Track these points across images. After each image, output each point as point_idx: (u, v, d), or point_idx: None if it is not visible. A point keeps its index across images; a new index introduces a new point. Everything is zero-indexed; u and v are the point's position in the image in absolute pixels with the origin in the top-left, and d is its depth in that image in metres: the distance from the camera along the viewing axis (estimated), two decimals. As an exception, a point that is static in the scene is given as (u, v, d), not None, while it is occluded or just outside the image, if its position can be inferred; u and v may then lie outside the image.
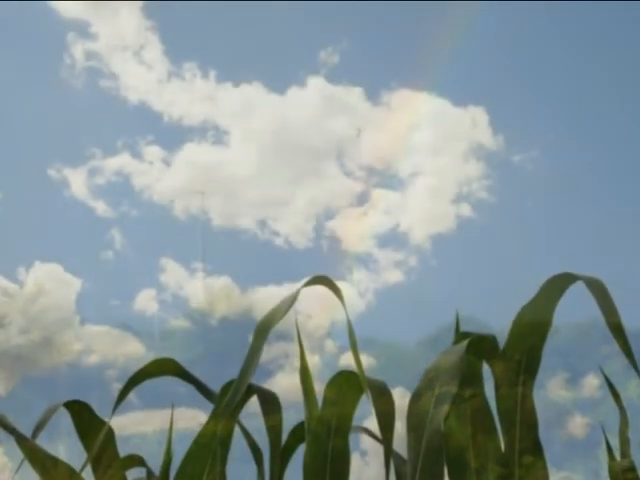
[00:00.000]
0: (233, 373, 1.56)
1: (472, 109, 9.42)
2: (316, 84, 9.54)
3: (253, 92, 9.58)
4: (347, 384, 1.60)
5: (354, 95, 9.60)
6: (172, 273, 8.94)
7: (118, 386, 1.80)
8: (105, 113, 9.68)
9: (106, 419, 1.78)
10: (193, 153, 9.43)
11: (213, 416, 1.64)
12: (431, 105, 9.60)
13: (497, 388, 1.54)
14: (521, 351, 1.52)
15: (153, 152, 9.23)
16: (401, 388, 2.12)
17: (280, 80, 9.68)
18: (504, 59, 9.60)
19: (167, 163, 9.24)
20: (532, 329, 1.52)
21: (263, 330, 1.54)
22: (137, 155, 9.14)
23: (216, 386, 1.79)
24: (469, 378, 1.59)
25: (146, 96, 9.22)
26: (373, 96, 9.64)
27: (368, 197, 9.34)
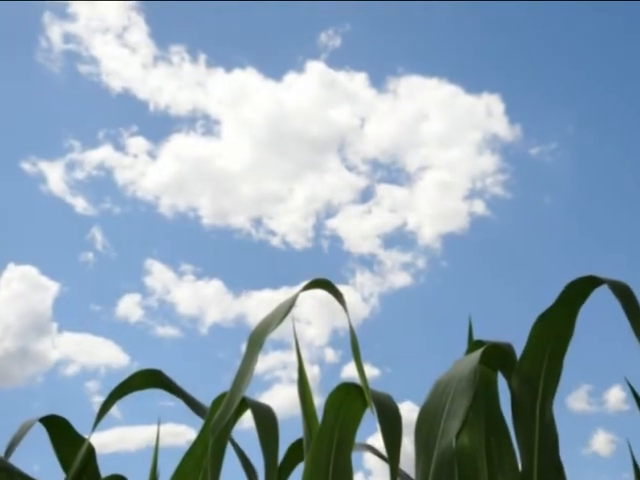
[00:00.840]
0: (225, 385, 1.56)
1: (486, 97, 9.41)
2: (316, 69, 9.54)
3: (247, 78, 9.58)
4: (350, 397, 1.60)
5: (357, 81, 9.60)
6: (158, 276, 8.93)
7: (99, 400, 1.80)
8: (85, 101, 9.67)
9: (86, 436, 1.78)
10: (181, 145, 9.43)
11: (203, 432, 1.64)
12: (442, 92, 9.59)
13: (514, 401, 1.54)
14: (540, 361, 1.52)
15: (137, 144, 9.22)
16: (409, 402, 2.12)
17: (276, 65, 9.67)
18: (521, 41, 9.59)
19: (153, 156, 9.23)
20: (552, 337, 1.52)
21: (258, 339, 1.54)
22: (120, 147, 9.12)
23: (206, 400, 1.79)
24: (483, 390, 1.59)
25: (130, 83, 9.20)
26: (378, 82, 9.63)
27: (372, 193, 9.33)
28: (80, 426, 1.82)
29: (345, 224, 9.12)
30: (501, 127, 9.28)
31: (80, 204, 8.94)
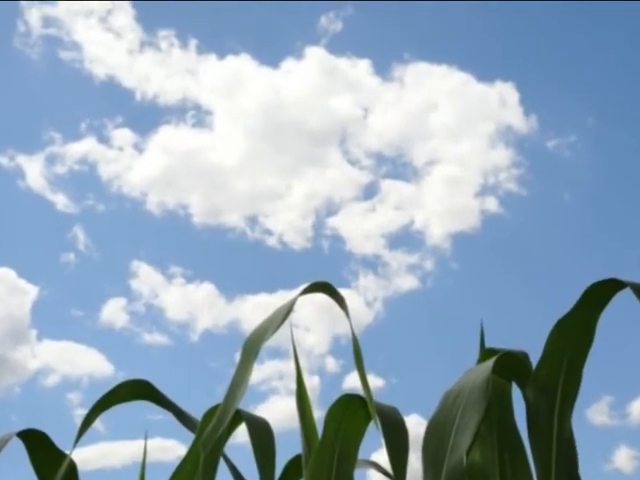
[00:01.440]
0: (218, 397, 1.56)
1: (500, 85, 9.41)
2: (315, 56, 9.55)
3: (241, 65, 9.59)
4: (352, 410, 1.60)
5: (360, 69, 9.60)
6: (145, 279, 8.93)
7: (82, 412, 1.80)
8: (66, 90, 9.67)
9: (67, 451, 1.78)
10: (170, 137, 9.43)
11: (194, 447, 1.64)
12: (451, 80, 9.60)
13: (529, 414, 1.54)
14: (557, 370, 1.52)
15: (123, 136, 9.22)
16: (416, 414, 2.12)
17: (273, 51, 9.67)
18: (537, 27, 9.59)
19: (139, 149, 9.23)
20: (570, 344, 1.52)
21: (253, 346, 1.54)
22: (104, 140, 9.12)
23: (197, 413, 1.79)
24: (496, 402, 1.59)
25: (115, 70, 9.21)
26: (383, 70, 9.64)
27: (377, 189, 9.34)
28: (61, 441, 1.82)
29: (347, 223, 9.13)
30: (515, 118, 9.28)
31: (61, 201, 8.95)
